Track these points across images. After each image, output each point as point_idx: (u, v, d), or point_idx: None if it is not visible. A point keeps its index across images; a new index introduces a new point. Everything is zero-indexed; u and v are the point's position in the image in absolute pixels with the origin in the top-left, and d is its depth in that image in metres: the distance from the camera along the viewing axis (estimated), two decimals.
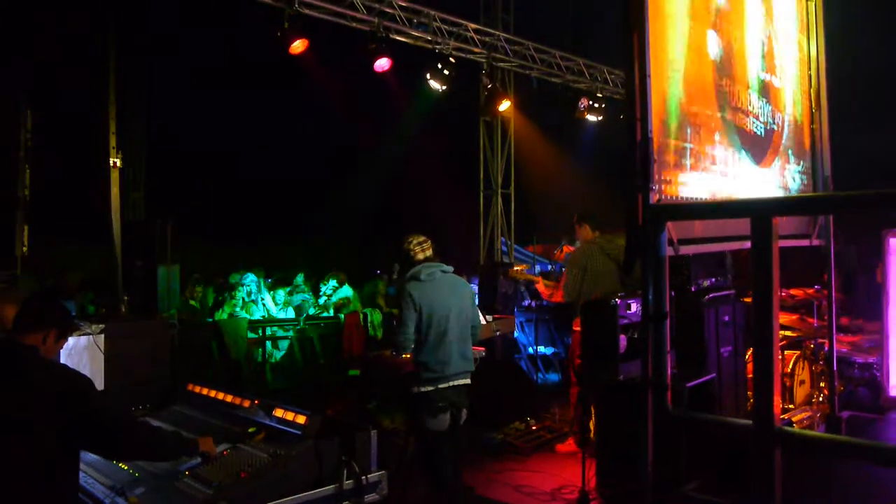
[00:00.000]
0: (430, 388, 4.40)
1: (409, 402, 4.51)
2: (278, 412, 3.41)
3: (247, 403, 3.63)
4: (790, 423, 5.63)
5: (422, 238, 4.63)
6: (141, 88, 10.48)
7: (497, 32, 10.08)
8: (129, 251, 7.44)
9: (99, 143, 7.16)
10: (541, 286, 6.98)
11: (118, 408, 3.20)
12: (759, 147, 4.21)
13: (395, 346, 4.47)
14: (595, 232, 6.56)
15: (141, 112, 10.54)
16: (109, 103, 7.05)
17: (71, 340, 4.05)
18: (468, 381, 4.60)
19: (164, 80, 11.28)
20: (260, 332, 8.99)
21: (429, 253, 4.59)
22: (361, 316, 9.32)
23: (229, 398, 3.77)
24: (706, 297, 5.52)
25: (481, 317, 6.89)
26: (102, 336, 4.15)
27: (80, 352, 4.00)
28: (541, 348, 9.65)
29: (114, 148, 7.13)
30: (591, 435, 5.59)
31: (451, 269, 4.67)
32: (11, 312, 2.77)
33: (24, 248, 5.64)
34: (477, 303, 4.89)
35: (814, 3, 4.92)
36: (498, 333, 7.46)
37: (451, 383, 4.45)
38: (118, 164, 7.16)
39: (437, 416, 4.39)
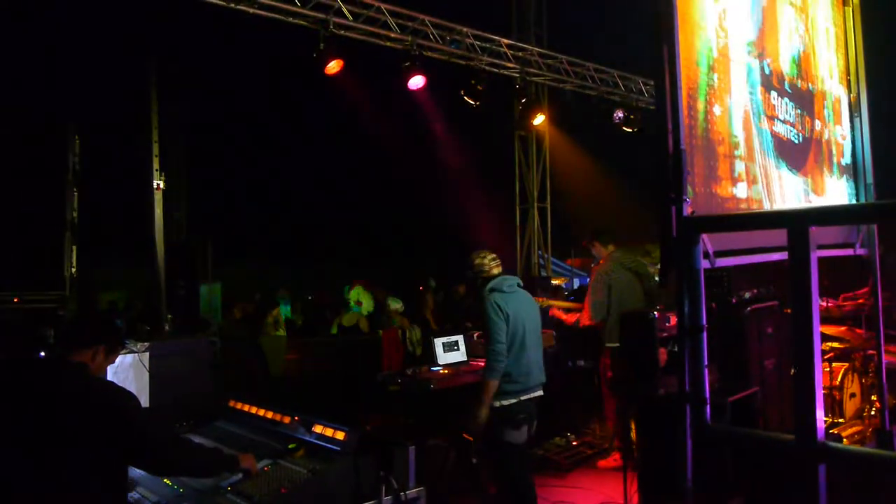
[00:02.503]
0: (513, 401, 4.35)
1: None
2: (318, 428, 3.45)
3: (287, 420, 3.69)
4: (840, 438, 5.46)
5: (490, 253, 4.71)
6: (182, 111, 10.75)
7: (530, 47, 10.12)
8: (171, 271, 7.61)
9: (142, 165, 7.35)
10: (562, 316, 6.82)
11: (161, 425, 3.27)
12: (795, 155, 4.15)
13: (490, 357, 4.34)
14: (610, 247, 6.51)
15: (182, 134, 10.81)
16: (153, 126, 7.24)
17: (118, 359, 4.16)
18: (542, 392, 4.59)
19: (204, 104, 11.56)
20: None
21: (500, 268, 4.66)
22: (400, 332, 9.37)
23: (270, 414, 3.83)
24: (748, 308, 5.42)
25: None
26: (147, 354, 4.25)
27: (126, 370, 4.11)
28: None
29: (157, 170, 7.31)
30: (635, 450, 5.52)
31: (521, 282, 4.74)
32: None
33: (73, 269, 5.80)
34: None
35: (851, 9, 4.83)
36: None
37: (531, 395, 4.45)
38: (161, 185, 7.34)
39: (519, 428, 4.34)
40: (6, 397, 2.61)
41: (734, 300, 5.57)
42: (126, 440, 2.61)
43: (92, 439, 2.54)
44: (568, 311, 6.81)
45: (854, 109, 4.76)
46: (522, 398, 4.39)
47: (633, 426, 5.56)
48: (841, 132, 4.70)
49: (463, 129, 12.61)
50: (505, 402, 4.34)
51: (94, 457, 2.56)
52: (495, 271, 4.63)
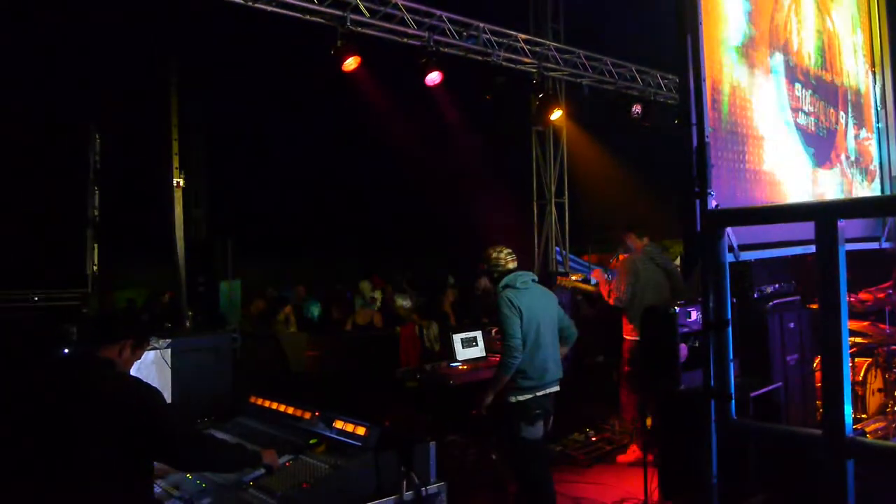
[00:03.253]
0: (529, 397, 4.37)
1: (502, 412, 4.43)
2: (338, 424, 3.46)
3: (308, 415, 3.69)
4: (863, 433, 5.40)
5: (506, 249, 4.70)
6: (201, 110, 10.80)
7: (547, 42, 10.06)
8: (192, 268, 7.66)
9: (162, 163, 7.41)
10: (600, 276, 6.92)
11: (185, 420, 3.29)
12: (820, 148, 4.09)
13: (504, 353, 4.36)
14: (644, 239, 6.51)
15: (201, 131, 10.86)
16: (172, 125, 7.29)
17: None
18: (559, 388, 4.59)
19: (223, 100, 11.61)
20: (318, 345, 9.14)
21: (514, 263, 4.65)
22: (417, 328, 9.37)
23: (291, 410, 3.84)
24: (770, 303, 5.37)
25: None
26: (169, 350, 4.28)
27: (149, 366, 4.13)
28: None
29: (177, 168, 7.36)
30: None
31: (536, 278, 4.72)
32: None
33: (95, 267, 5.86)
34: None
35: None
36: None
37: (547, 391, 4.45)
38: (181, 183, 7.39)
39: (535, 424, 4.35)
40: (33, 395, 2.63)
41: (755, 295, 5.52)
42: (152, 436, 2.63)
43: (119, 435, 2.56)
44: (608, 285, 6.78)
45: (879, 101, 4.68)
46: (538, 394, 4.40)
47: (649, 421, 5.53)
48: (866, 132, 4.63)
49: (480, 124, 12.56)
50: (521, 398, 4.35)
51: (121, 453, 2.57)
52: (510, 266, 4.62)
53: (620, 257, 7.25)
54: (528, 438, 4.36)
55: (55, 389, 2.61)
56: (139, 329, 2.89)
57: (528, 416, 4.34)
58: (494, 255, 4.65)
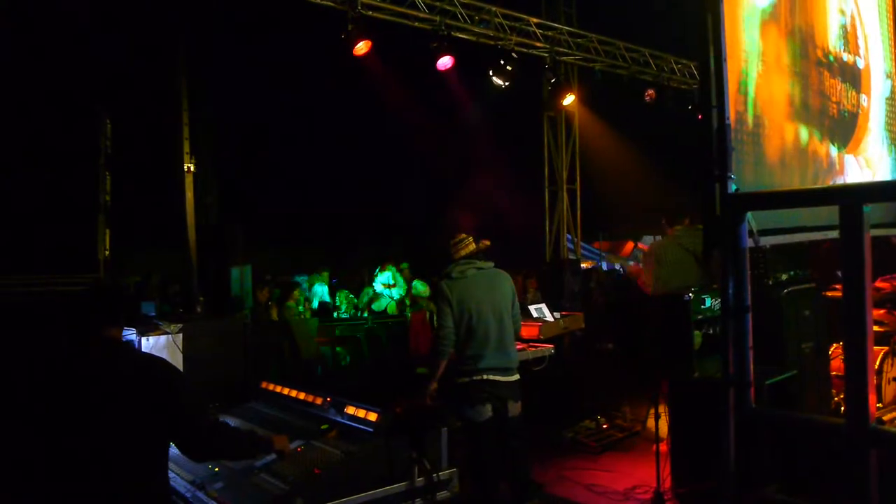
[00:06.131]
0: (466, 380, 4.58)
1: (452, 393, 4.68)
2: (350, 409, 3.45)
3: (319, 401, 3.69)
4: (882, 422, 5.35)
5: (461, 237, 4.81)
6: (211, 94, 10.77)
7: (560, 26, 9.96)
8: (203, 253, 7.67)
9: (173, 149, 7.40)
10: (636, 269, 6.95)
11: (205, 408, 3.28)
12: (843, 131, 4.01)
13: (436, 341, 4.62)
14: (677, 226, 6.42)
15: (211, 117, 10.83)
16: (182, 109, 7.27)
17: (152, 339, 4.19)
18: (510, 377, 4.66)
19: (234, 85, 11.57)
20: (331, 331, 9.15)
21: (465, 251, 4.74)
22: (427, 314, 9.35)
23: (302, 395, 3.84)
24: (785, 290, 5.30)
25: (548, 314, 6.86)
26: (181, 335, 4.27)
27: (161, 351, 4.13)
28: None
29: (187, 153, 7.35)
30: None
31: (489, 265, 4.79)
32: None
33: (107, 252, 5.86)
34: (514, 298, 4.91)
35: None
36: (566, 330, 7.36)
37: (485, 377, 4.57)
38: (192, 168, 7.38)
39: (474, 406, 4.55)
40: (51, 379, 2.61)
41: (770, 282, 5.46)
42: (175, 415, 2.60)
43: (144, 414, 2.54)
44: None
45: None
46: (475, 378, 4.57)
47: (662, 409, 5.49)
48: (889, 105, 4.53)
49: (491, 110, 12.46)
50: (460, 381, 4.60)
51: (143, 434, 2.55)
52: (461, 253, 4.73)
53: (637, 245, 7.23)
54: (470, 420, 4.56)
55: (75, 373, 2.59)
56: (129, 303, 2.86)
57: (468, 397, 4.56)
58: (451, 243, 4.80)
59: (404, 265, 11.46)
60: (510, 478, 4.78)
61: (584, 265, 12.76)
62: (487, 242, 4.96)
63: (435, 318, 4.73)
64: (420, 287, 9.82)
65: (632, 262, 7.36)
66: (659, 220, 6.60)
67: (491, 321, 4.63)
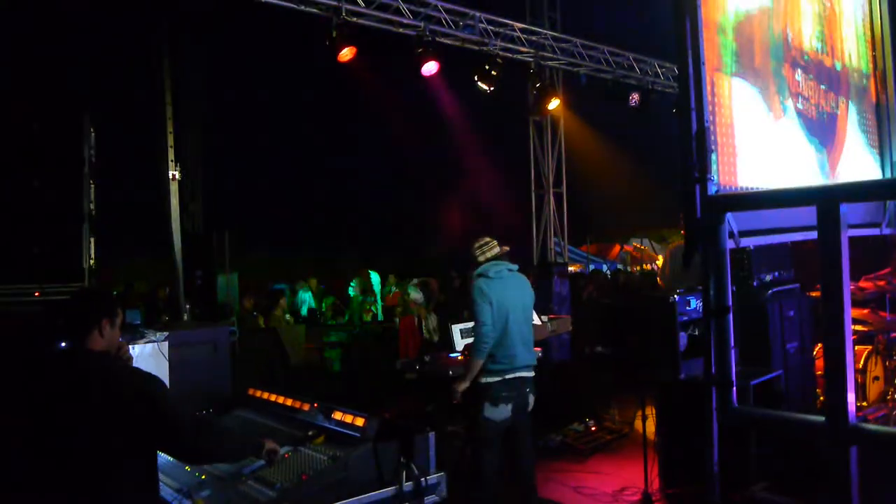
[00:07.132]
0: (497, 379, 4.56)
1: (472, 393, 4.60)
2: (337, 415, 3.43)
3: (306, 407, 3.67)
4: (865, 420, 5.39)
5: (485, 240, 4.88)
6: (197, 101, 10.73)
7: (544, 31, 10.00)
8: (189, 261, 7.62)
9: (158, 156, 7.35)
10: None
11: (187, 411, 3.25)
12: (822, 133, 4.06)
13: (475, 338, 4.58)
14: None
15: (197, 124, 10.80)
16: (167, 117, 7.24)
17: (137, 348, 4.16)
18: (533, 373, 4.74)
19: (220, 92, 11.55)
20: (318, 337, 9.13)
21: (491, 254, 4.81)
22: (416, 320, 9.35)
23: (289, 402, 3.82)
24: (769, 291, 5.35)
25: (536, 318, 6.88)
26: (167, 343, 4.25)
27: (146, 359, 4.10)
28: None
29: (172, 161, 7.31)
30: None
31: (516, 267, 4.87)
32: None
33: (91, 261, 5.82)
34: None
35: None
36: (554, 333, 7.38)
37: (517, 374, 4.61)
38: (177, 176, 7.34)
39: (498, 405, 4.54)
40: (36, 394, 2.59)
41: (755, 283, 5.50)
42: (156, 424, 2.59)
43: (124, 428, 2.52)
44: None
45: (880, 84, 4.65)
46: (507, 377, 4.58)
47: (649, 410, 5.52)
48: (869, 109, 4.59)
49: (477, 115, 12.51)
50: (488, 380, 4.56)
51: (127, 445, 2.54)
52: (488, 255, 4.79)
53: (623, 247, 7.29)
54: (490, 419, 4.54)
55: (56, 388, 2.57)
56: (103, 302, 2.80)
57: (493, 397, 4.55)
58: (476, 246, 4.85)
59: (373, 272, 11.47)
60: (518, 479, 4.76)
61: (571, 268, 12.80)
62: (507, 248, 5.02)
63: (473, 315, 4.64)
64: (413, 293, 9.82)
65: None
66: (646, 223, 6.71)
67: (522, 321, 4.71)
